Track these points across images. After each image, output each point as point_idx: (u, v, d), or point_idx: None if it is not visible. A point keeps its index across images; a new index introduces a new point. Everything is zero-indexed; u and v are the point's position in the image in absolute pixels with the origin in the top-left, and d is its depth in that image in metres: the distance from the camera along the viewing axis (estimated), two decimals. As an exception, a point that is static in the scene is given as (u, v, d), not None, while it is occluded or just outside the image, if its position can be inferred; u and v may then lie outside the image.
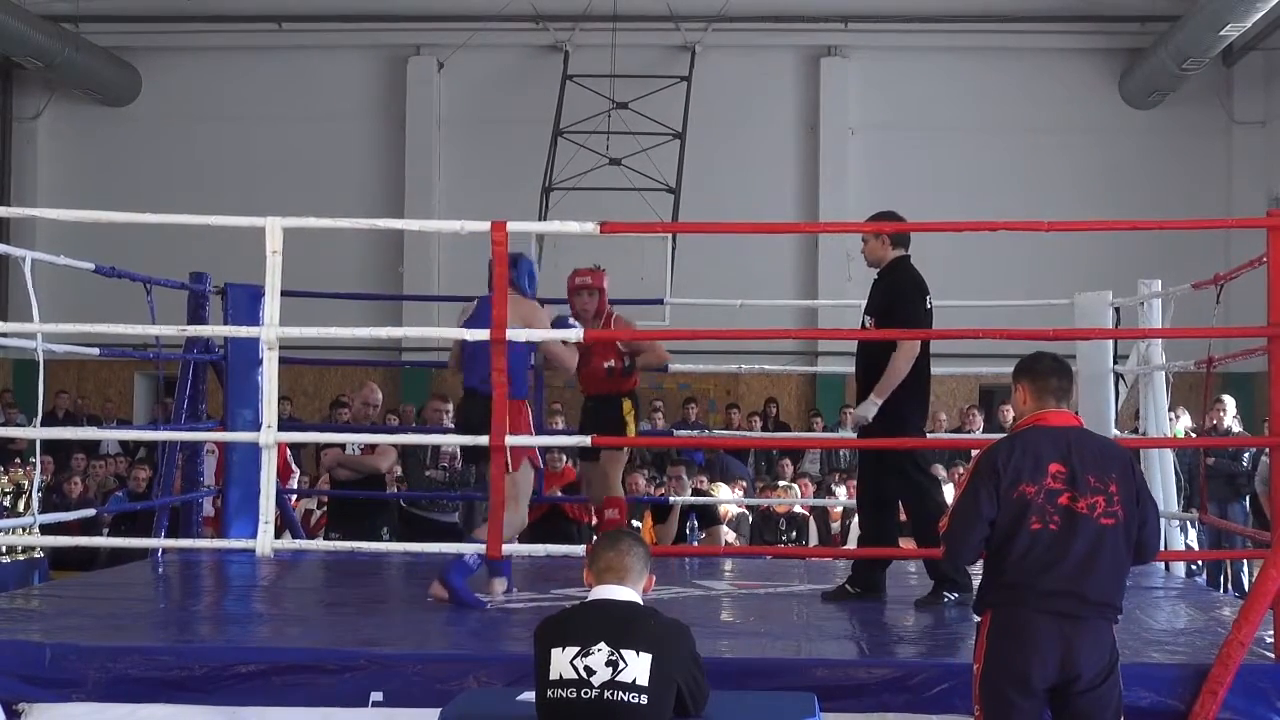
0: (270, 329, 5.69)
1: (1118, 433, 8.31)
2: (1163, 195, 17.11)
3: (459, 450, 9.01)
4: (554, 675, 3.83)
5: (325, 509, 10.30)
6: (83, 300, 12.71)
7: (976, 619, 4.33)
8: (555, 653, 3.84)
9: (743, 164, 18.00)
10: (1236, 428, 11.38)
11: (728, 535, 10.70)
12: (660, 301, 10.09)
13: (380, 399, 9.79)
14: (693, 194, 16.27)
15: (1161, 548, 4.77)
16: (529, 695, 3.98)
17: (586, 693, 3.78)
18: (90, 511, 8.36)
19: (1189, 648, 5.26)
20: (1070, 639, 4.13)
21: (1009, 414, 14.64)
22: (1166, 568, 7.71)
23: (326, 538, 9.20)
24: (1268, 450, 6.60)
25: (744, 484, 12.84)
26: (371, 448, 9.23)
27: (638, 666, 3.79)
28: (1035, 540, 4.16)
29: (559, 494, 9.79)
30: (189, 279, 8.38)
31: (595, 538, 5.85)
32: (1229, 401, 11.24)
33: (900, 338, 6.38)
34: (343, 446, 9.09)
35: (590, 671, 3.79)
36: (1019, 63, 18.22)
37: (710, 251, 16.55)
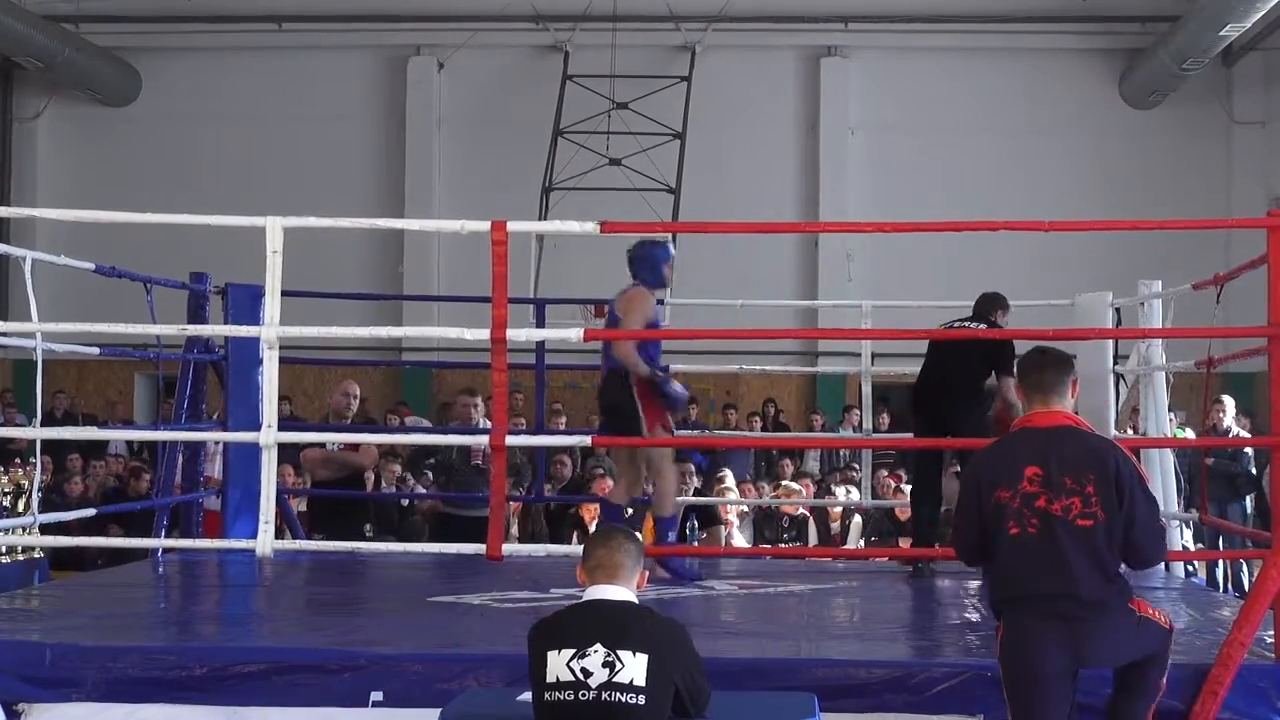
0: (270, 329, 5.69)
1: (1117, 433, 8.30)
2: (1163, 195, 17.09)
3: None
4: (551, 678, 3.82)
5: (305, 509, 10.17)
6: (83, 300, 12.69)
7: (996, 622, 4.35)
8: (551, 655, 3.84)
9: (743, 164, 17.99)
10: (1236, 428, 11.37)
11: (737, 539, 10.64)
12: (660, 301, 10.03)
13: (358, 390, 9.69)
14: (693, 194, 16.25)
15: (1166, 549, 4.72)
16: (529, 695, 3.98)
17: (584, 694, 3.77)
18: (90, 511, 8.35)
19: (1189, 648, 5.25)
20: (1078, 637, 4.13)
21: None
22: (1166, 567, 7.70)
23: (309, 539, 9.12)
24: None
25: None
26: (354, 445, 9.14)
27: (635, 667, 3.79)
28: (1016, 545, 4.14)
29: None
30: (189, 279, 8.37)
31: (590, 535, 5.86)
32: (1229, 402, 11.23)
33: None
34: (324, 446, 9.00)
35: (587, 673, 3.79)
36: (1019, 63, 18.21)
37: (710, 251, 16.53)
